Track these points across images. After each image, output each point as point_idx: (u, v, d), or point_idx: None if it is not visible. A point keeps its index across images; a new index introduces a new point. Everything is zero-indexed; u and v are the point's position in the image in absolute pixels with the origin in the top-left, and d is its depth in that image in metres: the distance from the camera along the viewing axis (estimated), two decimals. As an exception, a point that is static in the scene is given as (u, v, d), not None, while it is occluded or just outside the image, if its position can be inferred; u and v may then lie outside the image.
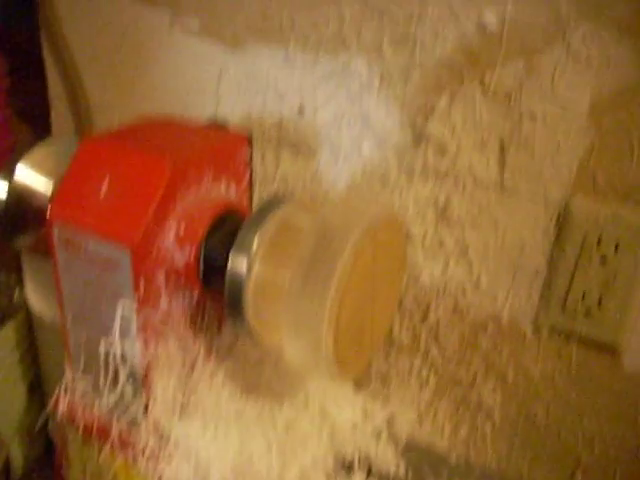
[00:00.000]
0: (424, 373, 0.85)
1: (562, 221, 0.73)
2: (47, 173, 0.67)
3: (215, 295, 0.62)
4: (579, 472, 0.82)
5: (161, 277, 0.57)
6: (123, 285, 0.57)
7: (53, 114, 0.99)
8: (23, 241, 0.68)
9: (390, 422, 0.74)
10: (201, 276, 0.58)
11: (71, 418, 0.66)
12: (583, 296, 0.73)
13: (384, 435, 0.69)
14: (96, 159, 0.59)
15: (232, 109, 0.85)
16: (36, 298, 0.99)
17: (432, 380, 0.85)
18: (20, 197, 0.65)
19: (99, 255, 0.57)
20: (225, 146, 0.62)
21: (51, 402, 0.67)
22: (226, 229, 0.58)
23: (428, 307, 0.82)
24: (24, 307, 1.02)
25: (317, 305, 0.48)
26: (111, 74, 0.92)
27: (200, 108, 0.87)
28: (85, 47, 0.93)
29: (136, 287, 0.56)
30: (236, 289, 0.53)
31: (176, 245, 0.57)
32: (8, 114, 1.04)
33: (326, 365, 0.51)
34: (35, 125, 1.09)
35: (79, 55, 0.94)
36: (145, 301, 0.57)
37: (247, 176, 0.64)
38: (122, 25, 0.89)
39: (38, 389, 1.07)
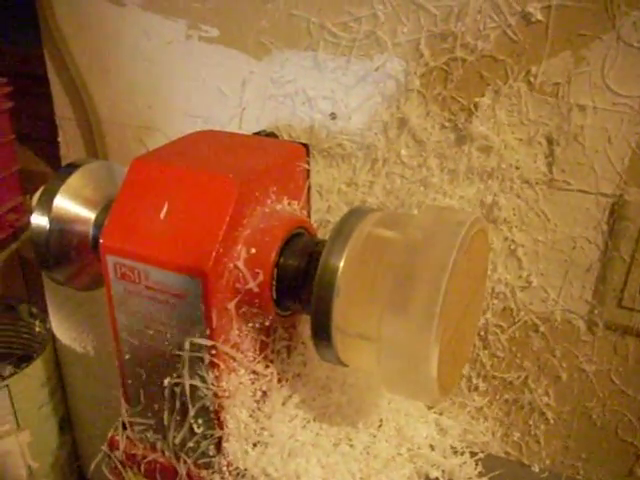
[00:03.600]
0: (474, 378, 0.83)
1: (615, 215, 0.71)
2: (87, 201, 0.63)
3: (286, 318, 0.58)
4: (637, 468, 0.81)
5: (233, 304, 0.54)
6: (192, 316, 0.53)
7: (61, 135, 0.95)
8: (64, 273, 0.64)
9: (464, 435, 0.72)
10: (274, 299, 0.55)
11: (130, 458, 0.62)
12: (640, 290, 0.71)
13: (461, 449, 0.66)
14: (151, 181, 0.55)
15: (258, 116, 0.81)
16: (62, 331, 0.95)
17: (482, 384, 0.83)
18: (61, 229, 0.61)
19: (162, 286, 0.53)
20: (285, 157, 0.59)
21: (106, 442, 0.63)
22: (299, 248, 0.55)
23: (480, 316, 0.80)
24: (50, 341, 0.97)
25: (421, 324, 0.45)
26: (123, 89, 0.88)
27: (224, 117, 0.83)
28: (93, 63, 0.89)
29: (207, 317, 0.52)
30: (324, 309, 0.50)
31: (247, 269, 0.53)
32: (12, 139, 1.00)
33: (428, 385, 0.48)
34: (40, 149, 1.05)
35: (87, 72, 0.89)
36: (217, 331, 0.53)
37: (307, 187, 0.61)
38: (133, 37, 0.85)
39: (69, 425, 1.03)
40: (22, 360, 1.08)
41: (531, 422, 0.83)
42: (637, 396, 0.77)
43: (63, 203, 0.61)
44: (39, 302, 1.02)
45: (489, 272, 0.77)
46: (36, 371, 0.94)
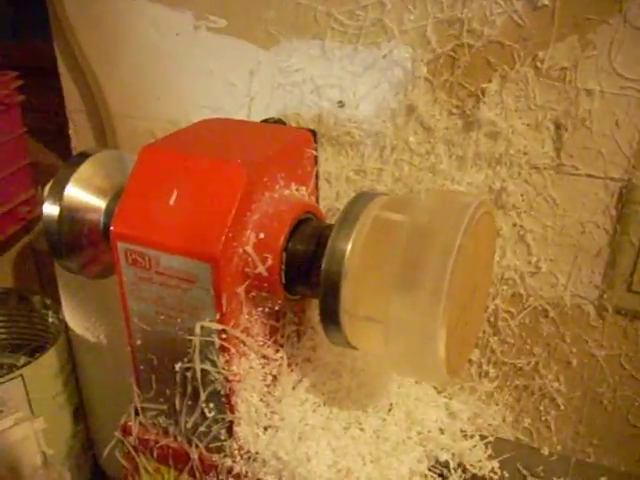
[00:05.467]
0: (484, 364, 0.83)
1: (624, 199, 0.71)
2: (97, 189, 0.63)
3: (295, 302, 0.59)
4: (648, 453, 0.81)
5: (243, 289, 0.54)
6: (202, 301, 0.54)
7: (72, 128, 0.95)
8: (76, 261, 0.64)
9: (474, 419, 0.72)
10: (284, 283, 0.55)
11: (143, 444, 0.63)
12: (650, 274, 0.71)
13: (471, 433, 0.66)
14: (160, 169, 0.55)
15: (267, 105, 0.82)
16: (75, 321, 0.96)
17: (492, 370, 0.83)
18: (72, 218, 0.62)
19: (173, 271, 0.54)
20: (292, 143, 0.59)
21: (119, 428, 0.64)
22: (307, 232, 0.55)
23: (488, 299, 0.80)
24: (63, 331, 0.98)
25: (429, 304, 0.46)
26: (132, 81, 0.89)
27: (232, 107, 0.83)
28: (102, 55, 0.89)
29: (218, 302, 0.53)
30: (332, 292, 0.50)
31: (257, 254, 0.53)
32: (23, 132, 1.01)
33: (436, 366, 0.48)
34: (51, 142, 1.06)
35: (97, 65, 0.90)
36: (227, 316, 0.54)
37: (314, 173, 0.61)
38: (142, 29, 0.85)
39: (82, 413, 1.04)
40: (36, 350, 1.09)
41: (542, 408, 0.83)
42: (648, 381, 0.77)
43: (74, 192, 0.62)
44: (52, 293, 1.03)
45: (498, 258, 0.77)
46: (50, 360, 0.95)
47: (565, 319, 0.78)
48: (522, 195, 0.74)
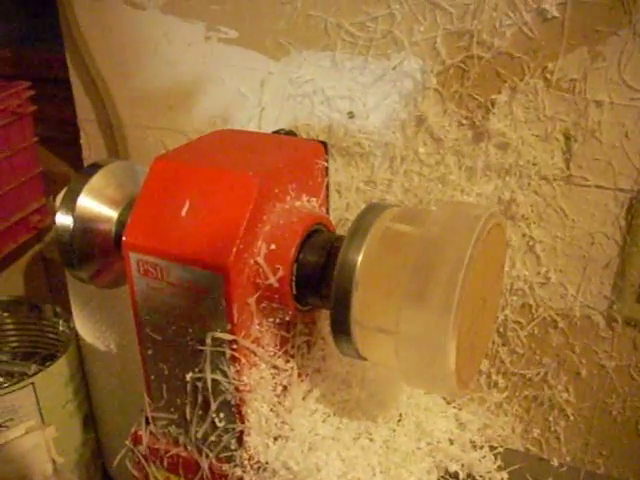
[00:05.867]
0: (493, 375, 0.83)
1: (633, 210, 0.71)
2: (109, 200, 0.64)
3: (306, 313, 0.59)
4: (658, 464, 0.81)
5: (254, 300, 0.54)
6: (214, 311, 0.54)
7: (83, 137, 0.96)
8: (87, 271, 0.65)
9: (483, 430, 0.72)
10: (294, 294, 0.55)
11: (153, 453, 0.63)
12: (659, 284, 0.71)
13: (480, 444, 0.66)
14: (172, 180, 0.56)
15: (277, 116, 0.82)
16: (85, 330, 0.96)
17: (501, 381, 0.83)
18: (84, 228, 0.62)
19: (184, 282, 0.54)
20: (303, 154, 0.60)
21: (130, 437, 0.64)
22: (318, 243, 0.55)
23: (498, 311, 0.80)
24: (74, 339, 0.99)
25: (439, 315, 0.46)
26: (144, 90, 0.89)
27: (243, 117, 0.84)
28: (115, 66, 0.90)
29: (229, 313, 0.53)
30: (343, 303, 0.51)
31: (268, 265, 0.54)
32: (34, 141, 1.01)
33: (446, 378, 0.48)
34: (63, 152, 1.06)
35: (108, 75, 0.91)
36: (238, 326, 0.54)
37: (325, 184, 0.62)
38: (154, 40, 0.86)
39: (92, 421, 1.05)
40: (47, 359, 1.10)
41: (551, 418, 0.83)
42: (657, 392, 0.77)
43: (86, 202, 0.62)
44: (62, 302, 1.04)
45: (507, 268, 0.78)
46: (60, 369, 0.95)
47: (574, 330, 0.78)
48: (532, 206, 0.75)
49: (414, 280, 0.48)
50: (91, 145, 0.97)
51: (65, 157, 1.11)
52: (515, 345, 0.81)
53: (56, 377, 0.95)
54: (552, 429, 0.84)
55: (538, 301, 0.78)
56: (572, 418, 0.82)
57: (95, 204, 0.63)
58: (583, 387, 0.80)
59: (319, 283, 0.55)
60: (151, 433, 0.64)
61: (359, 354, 0.54)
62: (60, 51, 0.93)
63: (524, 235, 0.76)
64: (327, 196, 0.63)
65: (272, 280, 0.54)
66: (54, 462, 0.71)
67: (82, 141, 0.97)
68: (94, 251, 0.64)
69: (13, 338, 1.13)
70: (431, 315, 0.47)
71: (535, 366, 0.81)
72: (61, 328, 1.08)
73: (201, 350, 0.56)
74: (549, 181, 0.73)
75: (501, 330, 0.81)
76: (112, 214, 0.63)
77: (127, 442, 0.65)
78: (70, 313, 1.00)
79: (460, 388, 0.50)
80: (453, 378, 0.48)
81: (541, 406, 0.83)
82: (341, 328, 0.52)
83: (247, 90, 0.83)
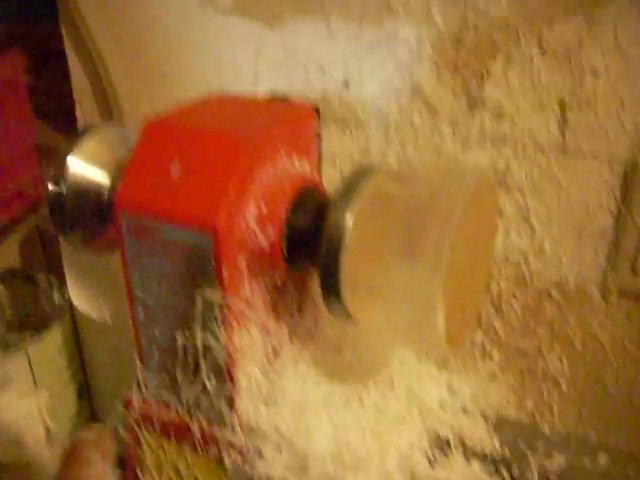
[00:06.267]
0: (487, 346, 0.83)
1: (629, 180, 0.71)
2: (101, 163, 0.63)
3: (297, 275, 0.59)
4: (653, 436, 0.81)
5: (244, 261, 0.54)
6: (204, 272, 0.54)
7: (78, 109, 0.96)
8: (80, 236, 0.65)
9: (475, 397, 0.72)
10: (285, 256, 0.55)
11: (145, 418, 0.63)
12: (654, 256, 0.71)
13: (472, 411, 0.66)
14: (163, 142, 0.56)
15: (272, 86, 0.82)
16: (80, 298, 0.96)
17: (495, 352, 0.83)
18: (77, 191, 0.62)
19: (175, 242, 0.54)
20: (295, 119, 0.59)
21: (122, 402, 0.64)
22: (308, 205, 0.55)
23: (489, 278, 0.80)
24: (68, 309, 0.99)
25: (428, 273, 0.46)
26: (139, 61, 0.89)
27: (238, 87, 0.83)
28: (109, 35, 0.89)
29: (219, 273, 0.53)
30: (333, 264, 0.50)
31: (258, 226, 0.54)
32: (29, 112, 1.01)
33: (436, 336, 0.48)
34: (58, 123, 1.06)
35: (103, 44, 0.90)
36: (229, 287, 0.54)
37: (317, 148, 0.61)
38: (148, 8, 0.85)
39: (87, 391, 1.05)
40: (41, 330, 1.09)
41: (545, 391, 0.83)
42: (651, 364, 0.77)
43: (77, 165, 0.62)
44: (58, 275, 1.03)
45: (502, 239, 0.77)
46: (54, 337, 0.95)
47: (569, 301, 0.78)
48: (526, 176, 0.74)
49: (403, 239, 0.48)
50: (86, 117, 0.96)
51: (60, 130, 1.11)
52: (509, 317, 0.81)
53: (49, 345, 0.95)
54: (546, 401, 0.84)
55: (532, 272, 0.78)
56: (566, 390, 0.82)
57: (86, 167, 0.63)
58: (577, 359, 0.80)
59: (310, 245, 0.54)
60: (143, 398, 0.64)
61: (349, 316, 0.54)
62: (55, 22, 0.92)
63: (519, 205, 0.76)
64: (320, 162, 0.62)
65: (263, 241, 0.54)
66: (47, 429, 0.71)
67: (77, 113, 0.97)
68: (86, 215, 0.64)
69: (8, 310, 1.13)
70: (420, 273, 0.47)
71: (529, 338, 0.81)
72: (56, 298, 1.07)
73: (191, 312, 0.56)
74: (544, 151, 0.73)
75: (495, 301, 0.80)
76: (103, 176, 0.63)
77: (119, 406, 0.65)
78: (65, 283, 1.00)
79: (450, 348, 0.50)
80: (443, 336, 0.48)
81: (535, 378, 0.83)
82: (331, 289, 0.52)
83: (242, 59, 0.82)
